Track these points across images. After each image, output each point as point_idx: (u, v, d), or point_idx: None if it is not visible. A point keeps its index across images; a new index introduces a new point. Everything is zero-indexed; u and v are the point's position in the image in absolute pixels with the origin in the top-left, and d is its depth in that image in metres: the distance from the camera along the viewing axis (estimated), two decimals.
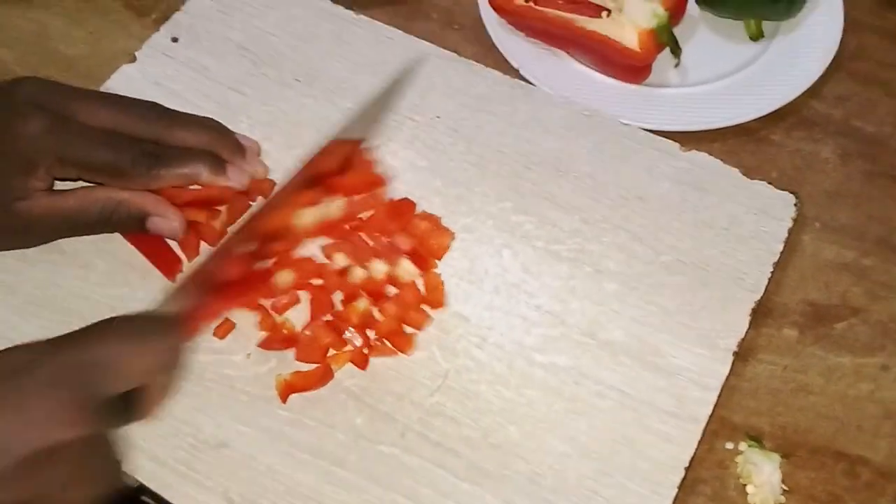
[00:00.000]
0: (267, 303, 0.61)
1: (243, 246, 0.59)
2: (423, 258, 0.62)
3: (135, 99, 0.63)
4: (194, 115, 0.64)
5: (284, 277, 0.61)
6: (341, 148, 0.64)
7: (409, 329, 0.61)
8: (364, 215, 0.64)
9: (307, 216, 0.63)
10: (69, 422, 0.45)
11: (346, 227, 0.63)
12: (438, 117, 0.70)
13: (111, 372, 0.48)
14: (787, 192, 0.66)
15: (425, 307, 0.61)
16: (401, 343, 0.60)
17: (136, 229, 0.62)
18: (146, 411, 0.54)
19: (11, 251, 0.63)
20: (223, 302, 0.59)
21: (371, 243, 0.63)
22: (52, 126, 0.58)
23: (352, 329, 0.60)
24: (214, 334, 0.60)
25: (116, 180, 0.60)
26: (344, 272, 0.62)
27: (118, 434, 0.50)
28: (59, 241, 0.63)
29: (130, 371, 0.49)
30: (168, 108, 0.63)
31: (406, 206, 0.65)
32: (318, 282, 0.62)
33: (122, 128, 0.61)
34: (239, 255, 0.59)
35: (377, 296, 0.61)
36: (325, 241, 0.63)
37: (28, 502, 0.45)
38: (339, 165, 0.63)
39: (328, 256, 0.62)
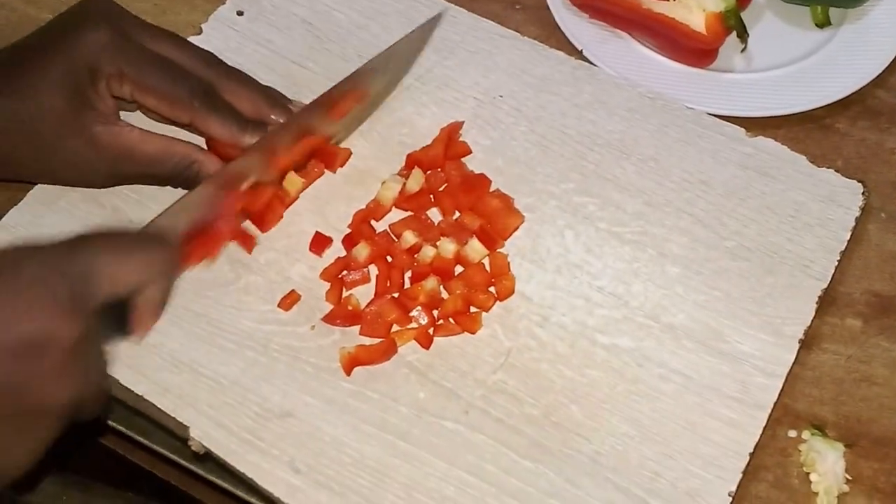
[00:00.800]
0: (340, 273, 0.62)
1: (240, 184, 0.60)
2: (491, 237, 0.62)
3: (197, 45, 0.65)
4: (250, 76, 0.65)
5: (361, 251, 0.61)
6: (347, 97, 0.65)
7: (473, 308, 0.61)
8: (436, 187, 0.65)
9: (389, 189, 0.63)
10: (56, 313, 0.46)
11: (426, 199, 0.64)
12: (501, 96, 0.70)
13: (95, 277, 0.49)
14: (854, 181, 0.65)
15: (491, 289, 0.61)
16: (467, 323, 0.60)
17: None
18: (136, 329, 0.56)
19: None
20: (214, 238, 0.61)
21: (437, 221, 0.63)
22: (114, 38, 0.60)
23: (419, 308, 0.60)
24: (279, 306, 0.60)
25: (168, 107, 0.61)
26: (413, 250, 0.62)
27: (106, 347, 0.51)
28: (127, 209, 0.64)
29: (114, 278, 0.50)
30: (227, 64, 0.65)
31: (481, 181, 0.65)
32: (387, 259, 0.62)
33: (182, 63, 0.62)
34: (236, 194, 0.60)
35: (445, 275, 0.61)
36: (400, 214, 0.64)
37: (5, 385, 0.45)
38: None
39: (396, 234, 0.62)
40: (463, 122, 0.68)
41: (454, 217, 0.64)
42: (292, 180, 0.64)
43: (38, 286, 0.46)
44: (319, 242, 0.63)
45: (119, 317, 0.53)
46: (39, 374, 0.47)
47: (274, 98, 0.65)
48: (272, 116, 0.63)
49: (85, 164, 0.62)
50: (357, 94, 0.66)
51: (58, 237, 0.50)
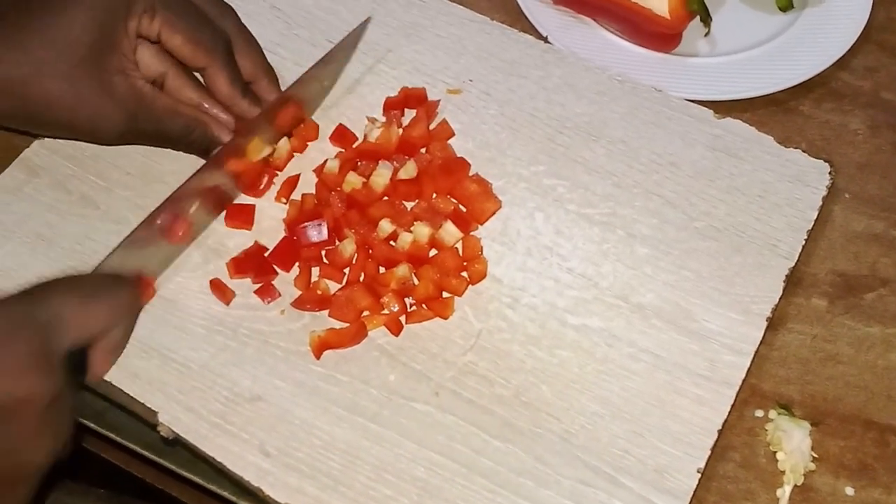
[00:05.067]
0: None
1: (189, 204, 0.60)
2: (465, 220, 0.62)
3: None
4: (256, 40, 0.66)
5: (347, 247, 0.61)
6: (289, 106, 0.65)
7: (446, 294, 0.61)
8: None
9: (381, 176, 0.63)
10: (28, 372, 0.45)
11: (416, 185, 0.64)
12: (471, 80, 0.70)
13: (62, 325, 0.48)
14: (821, 161, 0.66)
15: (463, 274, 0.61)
16: (440, 308, 0.59)
17: (201, 154, 0.64)
18: (95, 371, 0.55)
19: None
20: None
21: (410, 207, 0.63)
22: None
23: (389, 294, 0.59)
24: (257, 294, 0.60)
25: (191, 50, 0.61)
26: (390, 238, 0.61)
27: (71, 398, 0.49)
28: (94, 195, 0.64)
29: (81, 325, 0.50)
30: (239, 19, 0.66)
31: (461, 164, 0.65)
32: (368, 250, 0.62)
33: (204, 10, 0.63)
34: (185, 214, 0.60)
35: (419, 261, 0.61)
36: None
37: None
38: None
39: (372, 221, 0.62)
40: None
41: (428, 201, 0.63)
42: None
43: (5, 344, 0.45)
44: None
45: (75, 359, 0.51)
46: (15, 438, 0.45)
47: (271, 71, 0.66)
48: (264, 83, 0.65)
49: (100, 111, 0.60)
50: (293, 108, 0.66)
51: (19, 288, 0.49)
